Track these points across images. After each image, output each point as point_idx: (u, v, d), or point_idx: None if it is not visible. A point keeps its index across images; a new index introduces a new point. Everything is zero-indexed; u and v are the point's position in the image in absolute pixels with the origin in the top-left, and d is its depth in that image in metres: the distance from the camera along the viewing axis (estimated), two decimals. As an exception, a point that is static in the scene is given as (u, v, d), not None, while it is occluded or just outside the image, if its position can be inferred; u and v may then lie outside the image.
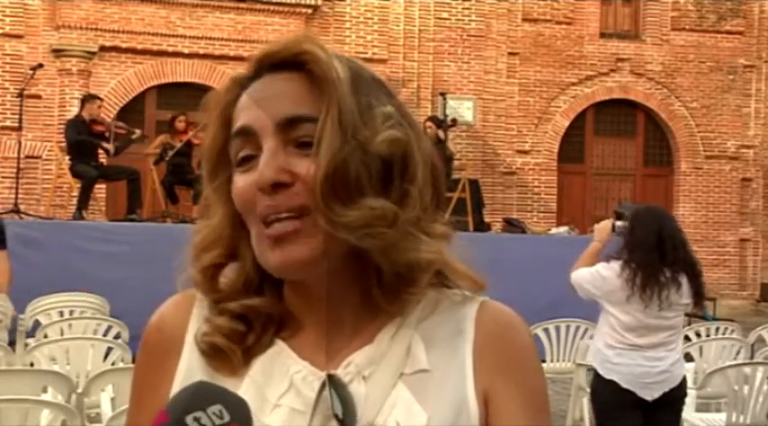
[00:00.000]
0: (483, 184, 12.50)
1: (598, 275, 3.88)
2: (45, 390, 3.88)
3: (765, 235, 15.00)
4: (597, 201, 14.42)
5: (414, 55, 13.46)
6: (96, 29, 12.07)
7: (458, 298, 0.94)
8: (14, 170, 10.33)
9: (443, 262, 0.90)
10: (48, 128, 11.94)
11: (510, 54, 13.97)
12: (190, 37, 12.41)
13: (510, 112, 13.98)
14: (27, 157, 11.50)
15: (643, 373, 3.77)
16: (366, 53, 12.72)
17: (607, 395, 3.84)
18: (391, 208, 0.84)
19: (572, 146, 14.49)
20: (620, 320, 3.81)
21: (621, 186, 14.73)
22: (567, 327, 6.16)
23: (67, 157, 9.67)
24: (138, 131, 9.88)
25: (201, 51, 12.48)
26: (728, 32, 14.81)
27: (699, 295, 3.83)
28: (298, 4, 12.76)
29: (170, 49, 12.39)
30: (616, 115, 14.74)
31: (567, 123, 14.30)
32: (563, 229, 11.17)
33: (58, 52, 12.00)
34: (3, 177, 11.50)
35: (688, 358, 5.76)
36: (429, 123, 10.23)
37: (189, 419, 0.72)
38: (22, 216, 9.37)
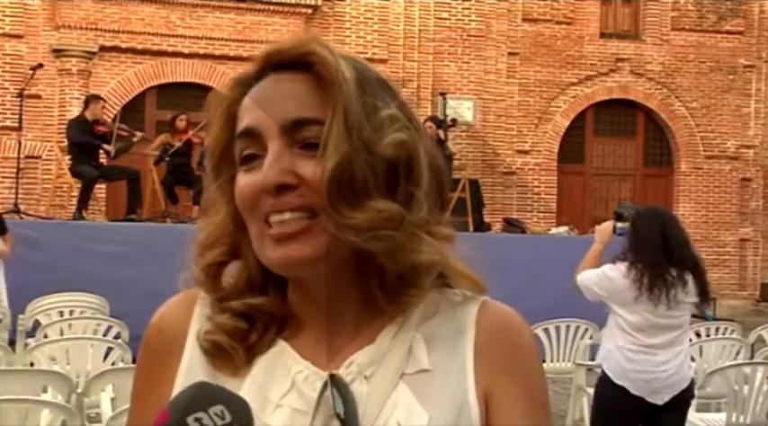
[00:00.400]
0: (483, 184, 12.51)
1: (605, 276, 3.89)
2: (45, 390, 3.88)
3: (765, 235, 15.00)
4: (597, 201, 14.43)
5: (414, 55, 13.46)
6: (96, 29, 12.07)
7: (458, 298, 0.94)
8: (14, 170, 10.33)
9: (446, 265, 0.90)
10: (48, 128, 11.94)
11: (510, 54, 13.97)
12: (190, 37, 12.41)
13: (510, 112, 13.98)
14: (27, 157, 11.50)
15: (653, 379, 3.78)
16: (366, 53, 12.72)
17: (614, 400, 3.84)
18: (398, 211, 0.85)
19: (572, 146, 14.49)
20: (629, 321, 3.82)
21: (621, 186, 14.73)
22: (567, 327, 6.16)
23: (68, 157, 9.67)
24: (139, 134, 9.89)
25: (201, 51, 12.48)
26: (728, 32, 14.81)
27: (704, 292, 3.85)
28: (298, 4, 12.76)
29: (170, 49, 12.39)
30: (616, 115, 14.74)
31: (566, 123, 14.30)
32: (563, 229, 11.17)
33: (58, 52, 12.00)
34: (3, 177, 11.50)
35: (688, 358, 5.77)
36: (429, 123, 10.23)
37: (190, 419, 0.72)
38: (22, 216, 9.37)
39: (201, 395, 0.74)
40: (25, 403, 3.33)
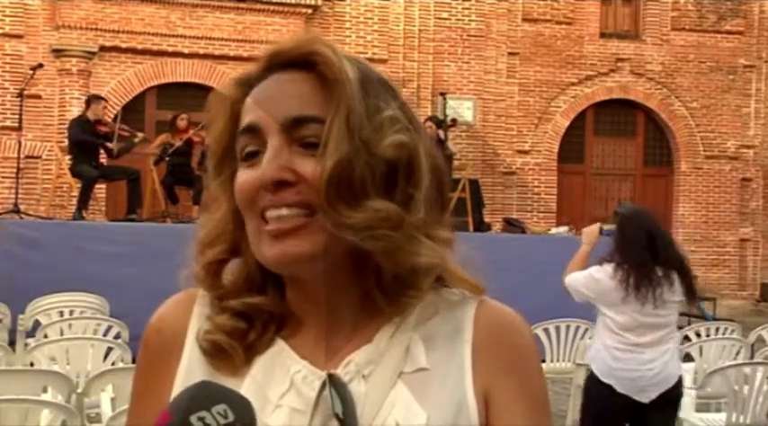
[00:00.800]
0: (483, 184, 12.51)
1: (592, 278, 3.94)
2: (45, 390, 3.88)
3: (765, 235, 15.00)
4: (597, 201, 14.42)
5: (414, 55, 13.46)
6: (96, 29, 12.07)
7: (456, 298, 0.94)
8: (14, 170, 10.33)
9: (444, 268, 0.90)
10: (48, 128, 11.94)
11: (510, 54, 13.97)
12: (190, 37, 12.40)
13: (510, 112, 13.98)
14: (27, 157, 11.50)
15: (639, 377, 3.81)
16: (366, 53, 12.72)
17: (600, 398, 3.87)
18: (396, 211, 0.85)
19: (572, 146, 14.49)
20: (617, 321, 3.87)
21: (621, 186, 14.73)
22: (567, 327, 6.16)
23: (68, 157, 9.67)
24: (140, 134, 9.89)
25: (201, 51, 12.48)
26: (728, 32, 14.81)
27: (691, 291, 3.90)
28: (298, 4, 12.76)
29: (170, 49, 12.39)
30: (616, 115, 14.74)
31: (566, 123, 14.29)
32: (563, 229, 11.17)
33: (58, 52, 12.00)
34: (3, 177, 11.50)
35: (688, 358, 5.77)
36: (429, 123, 10.23)
37: (193, 418, 0.72)
38: (22, 216, 9.37)
39: (204, 394, 0.74)
40: (25, 403, 3.33)
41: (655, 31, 14.59)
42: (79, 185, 9.46)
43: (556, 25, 14.17)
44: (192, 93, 12.44)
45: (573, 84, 14.24)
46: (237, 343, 0.90)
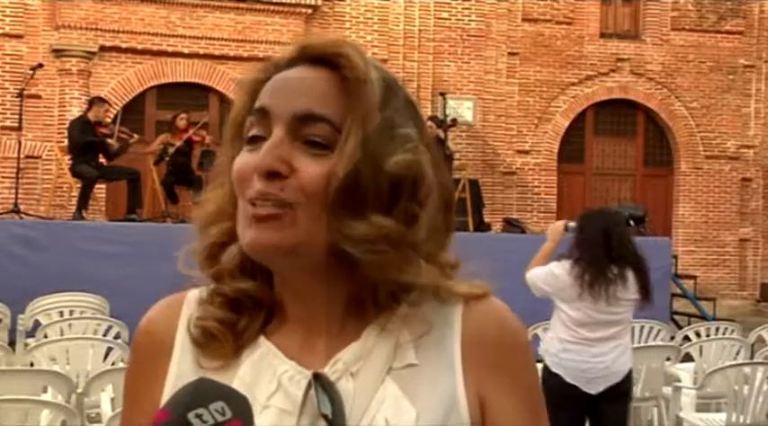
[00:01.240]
0: (483, 184, 12.51)
1: (551, 273, 4.05)
2: (45, 390, 3.88)
3: (765, 235, 15.00)
4: (597, 201, 14.39)
5: (414, 55, 13.46)
6: (96, 29, 12.06)
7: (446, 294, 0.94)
8: (14, 170, 10.34)
9: (440, 286, 0.90)
10: (48, 128, 11.94)
11: (510, 54, 13.96)
12: (190, 37, 12.40)
13: (510, 112, 13.97)
14: (27, 157, 11.50)
15: (588, 369, 3.93)
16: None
17: (551, 388, 3.93)
18: (398, 229, 0.85)
19: (572, 146, 14.48)
20: (571, 316, 3.98)
21: (621, 186, 14.73)
22: (567, 327, 6.14)
23: (68, 157, 9.68)
24: (136, 136, 9.90)
25: (201, 51, 12.47)
26: (728, 32, 14.80)
27: (645, 289, 3.99)
28: (298, 4, 12.76)
29: (170, 49, 12.38)
30: (616, 115, 14.73)
31: (566, 123, 14.29)
32: (563, 229, 11.14)
33: (58, 52, 12.00)
34: (3, 177, 11.50)
35: (688, 358, 5.77)
36: (430, 123, 10.23)
37: (191, 415, 0.72)
38: (22, 216, 9.37)
39: (201, 392, 0.74)
40: (25, 403, 3.33)
41: (655, 30, 14.59)
42: (79, 185, 9.47)
43: (556, 25, 14.17)
44: (192, 93, 12.45)
45: (573, 84, 14.23)
46: (227, 331, 0.90)
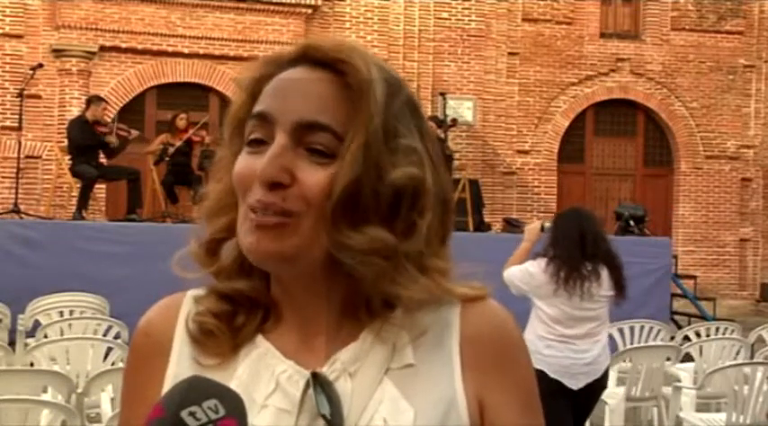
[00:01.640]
0: (483, 184, 12.51)
1: (527, 272, 4.14)
2: (45, 390, 3.88)
3: (765, 235, 15.00)
4: (597, 201, 14.41)
5: (414, 55, 13.46)
6: (96, 29, 12.06)
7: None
8: (14, 170, 10.34)
9: (432, 296, 0.89)
10: (48, 128, 11.94)
11: (510, 54, 13.96)
12: (190, 37, 12.40)
13: (510, 112, 13.97)
14: (27, 157, 11.50)
15: (570, 364, 4.03)
16: (366, 53, 12.70)
17: (539, 384, 3.97)
18: (392, 243, 0.85)
19: (572, 146, 14.48)
20: (548, 313, 4.08)
21: (621, 186, 14.73)
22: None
23: (68, 157, 9.68)
24: (134, 132, 9.89)
25: (201, 51, 12.47)
26: (728, 32, 14.80)
27: (619, 286, 4.10)
28: (298, 4, 12.76)
29: (170, 49, 12.38)
30: (616, 115, 14.73)
31: (566, 123, 14.29)
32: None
33: (58, 52, 12.00)
34: (3, 177, 11.50)
35: (688, 358, 5.77)
36: (430, 122, 10.22)
37: (184, 413, 0.71)
38: (22, 216, 9.37)
39: (195, 389, 0.74)
40: (25, 403, 3.33)
41: (655, 31, 14.59)
42: (79, 185, 9.46)
43: (556, 25, 14.17)
44: (192, 93, 12.45)
45: (573, 84, 14.24)
46: (225, 327, 0.91)
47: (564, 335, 4.06)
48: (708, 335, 6.26)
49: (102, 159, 9.79)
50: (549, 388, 3.93)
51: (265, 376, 0.89)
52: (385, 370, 0.88)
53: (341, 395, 0.85)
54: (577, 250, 4.01)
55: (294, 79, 0.88)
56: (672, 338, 6.77)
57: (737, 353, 5.65)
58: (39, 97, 11.80)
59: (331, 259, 0.86)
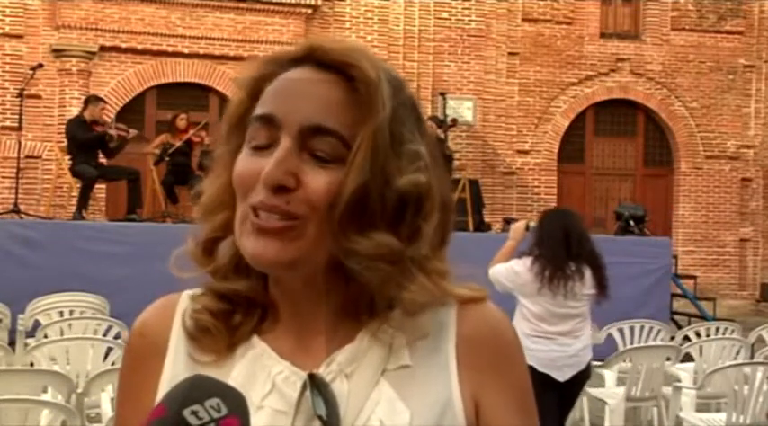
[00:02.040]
0: (483, 184, 12.50)
1: (512, 270, 4.25)
2: (45, 390, 3.88)
3: (765, 235, 15.00)
4: (597, 201, 14.42)
5: (414, 55, 13.46)
6: (96, 29, 12.06)
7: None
8: (14, 170, 10.34)
9: (433, 298, 0.89)
10: (48, 128, 11.94)
11: (510, 54, 13.96)
12: (190, 37, 12.40)
13: (510, 112, 13.98)
14: (27, 157, 11.50)
15: (556, 358, 4.16)
16: (366, 53, 12.69)
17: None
18: (398, 248, 0.85)
19: (572, 146, 14.48)
20: (532, 311, 4.20)
21: (621, 186, 14.73)
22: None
23: (68, 157, 9.67)
24: (133, 131, 9.88)
25: (201, 51, 12.47)
26: (728, 32, 14.80)
27: (601, 285, 4.22)
28: (298, 4, 12.76)
29: (170, 49, 12.39)
30: (616, 115, 14.73)
31: (566, 123, 14.29)
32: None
33: (58, 52, 12.00)
34: (3, 177, 11.50)
35: (688, 358, 5.77)
36: (430, 122, 10.23)
37: (186, 412, 0.71)
38: (22, 216, 9.37)
39: (197, 388, 0.73)
40: (25, 403, 3.33)
41: (655, 31, 14.59)
42: (79, 185, 9.46)
43: (556, 25, 14.17)
44: (192, 93, 12.45)
45: (573, 84, 14.24)
46: (222, 325, 0.90)
47: (548, 332, 4.18)
48: (708, 335, 6.26)
49: (102, 159, 9.79)
50: (537, 382, 3.98)
51: (261, 377, 0.89)
52: (381, 371, 0.88)
53: (337, 396, 0.85)
54: (562, 249, 4.12)
55: (299, 80, 0.87)
56: (672, 338, 6.78)
57: (737, 353, 5.65)
58: (39, 97, 11.80)
59: (333, 262, 0.86)
